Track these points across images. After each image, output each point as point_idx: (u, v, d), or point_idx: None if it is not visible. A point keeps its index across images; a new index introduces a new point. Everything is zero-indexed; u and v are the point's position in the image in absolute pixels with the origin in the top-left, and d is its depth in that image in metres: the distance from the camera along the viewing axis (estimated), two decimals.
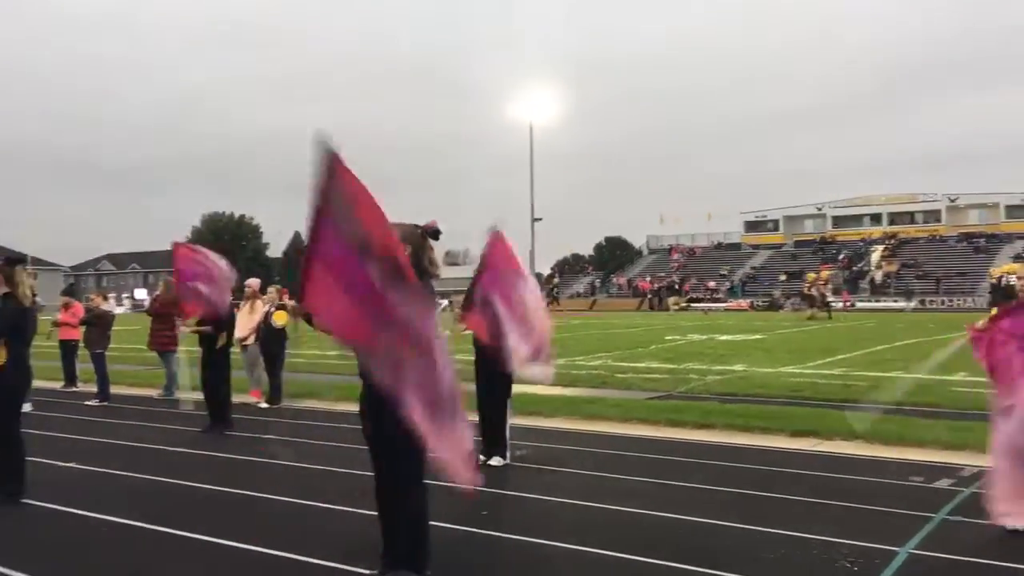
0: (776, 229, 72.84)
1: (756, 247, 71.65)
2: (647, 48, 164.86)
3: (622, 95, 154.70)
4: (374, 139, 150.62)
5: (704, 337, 24.72)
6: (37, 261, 73.14)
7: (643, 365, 15.99)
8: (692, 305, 55.93)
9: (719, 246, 73.79)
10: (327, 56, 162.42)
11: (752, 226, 74.05)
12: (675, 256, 72.71)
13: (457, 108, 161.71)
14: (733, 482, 6.63)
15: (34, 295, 6.81)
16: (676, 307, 54.28)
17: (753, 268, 66.81)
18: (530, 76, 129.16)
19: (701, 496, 6.25)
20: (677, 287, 61.39)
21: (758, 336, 25.03)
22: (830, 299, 42.36)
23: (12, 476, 6.21)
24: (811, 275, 50.17)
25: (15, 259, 6.57)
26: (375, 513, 4.41)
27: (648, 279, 65.48)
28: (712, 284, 62.56)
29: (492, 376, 7.29)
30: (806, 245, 69.30)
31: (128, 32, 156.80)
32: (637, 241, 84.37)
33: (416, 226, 4.45)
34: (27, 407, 10.03)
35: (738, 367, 15.30)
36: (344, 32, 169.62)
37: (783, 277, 61.60)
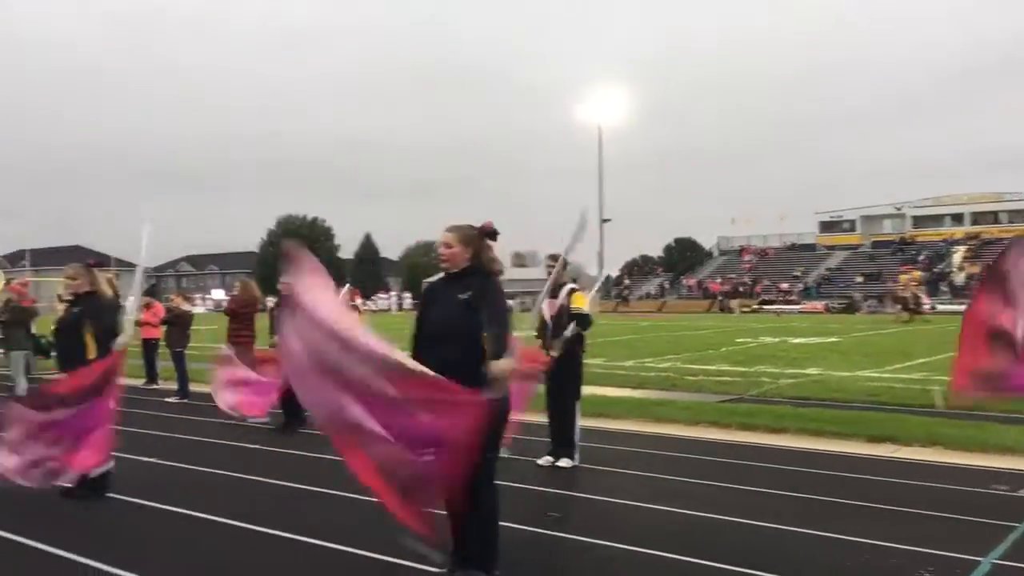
0: (852, 229, 71.03)
1: (831, 248, 69.98)
2: (718, 47, 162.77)
3: (692, 94, 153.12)
4: (446, 141, 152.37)
5: (776, 340, 24.27)
6: (119, 263, 75.84)
7: (713, 368, 15.78)
8: (764, 307, 54.94)
9: (792, 247, 72.29)
10: (398, 59, 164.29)
11: (827, 226, 72.37)
12: (746, 257, 71.54)
13: (526, 110, 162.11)
14: (806, 488, 6.49)
15: (117, 296, 7.06)
16: (742, 310, 52.88)
17: (828, 269, 65.30)
18: (599, 77, 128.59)
19: (773, 502, 6.14)
20: (744, 289, 60.34)
21: (833, 339, 24.46)
22: (924, 301, 40.90)
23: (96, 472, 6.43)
24: (903, 276, 48.62)
25: (98, 263, 6.87)
26: (445, 512, 4.45)
27: (719, 280, 64.59)
28: (785, 286, 61.36)
29: (561, 377, 7.28)
30: (884, 246, 67.39)
31: (206, 38, 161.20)
32: (707, 242, 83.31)
33: (472, 227, 4.51)
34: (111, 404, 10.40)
35: (812, 370, 14.98)
36: (414, 35, 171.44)
37: (860, 279, 60.06)
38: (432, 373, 4.05)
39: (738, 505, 5.98)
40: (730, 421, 9.46)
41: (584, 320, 7.19)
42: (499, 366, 4.14)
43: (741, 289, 59.98)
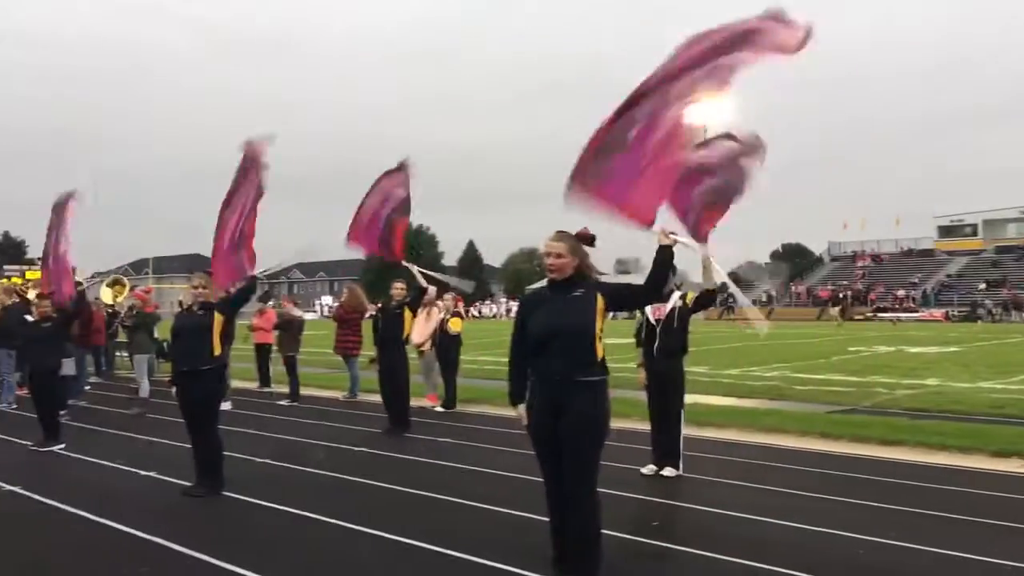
0: (974, 234, 67.65)
1: (951, 253, 66.85)
2: (827, 45, 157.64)
3: (798, 94, 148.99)
4: (549, 147, 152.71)
5: (892, 349, 23.34)
6: None
7: (823, 377, 15.29)
8: (879, 315, 52.91)
9: (909, 252, 69.37)
10: (507, 67, 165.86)
11: (947, 231, 69.17)
12: (859, 263, 69.07)
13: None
14: (922, 503, 6.20)
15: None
16: (844, 318, 48.29)
17: (948, 276, 62.41)
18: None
19: (885, 517, 5.89)
20: (847, 296, 58.06)
21: (954, 348, 23.36)
22: None
23: (213, 470, 6.71)
24: None
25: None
26: (547, 519, 4.45)
27: (829, 287, 62.55)
28: (901, 293, 58.94)
29: (664, 385, 7.20)
30: (1009, 251, 63.89)
31: (308, 52, 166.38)
32: (817, 248, 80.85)
33: (573, 235, 4.55)
34: (227, 406, 10.85)
35: (931, 381, 14.32)
36: (525, 42, 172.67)
37: (982, 285, 57.18)
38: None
39: (848, 519, 5.76)
40: (842, 433, 9.14)
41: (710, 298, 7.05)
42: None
43: (844, 296, 57.75)
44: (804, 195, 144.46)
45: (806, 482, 6.96)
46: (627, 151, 4.53)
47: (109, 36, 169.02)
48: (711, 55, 4.43)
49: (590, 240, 4.57)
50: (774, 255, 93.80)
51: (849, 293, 58.85)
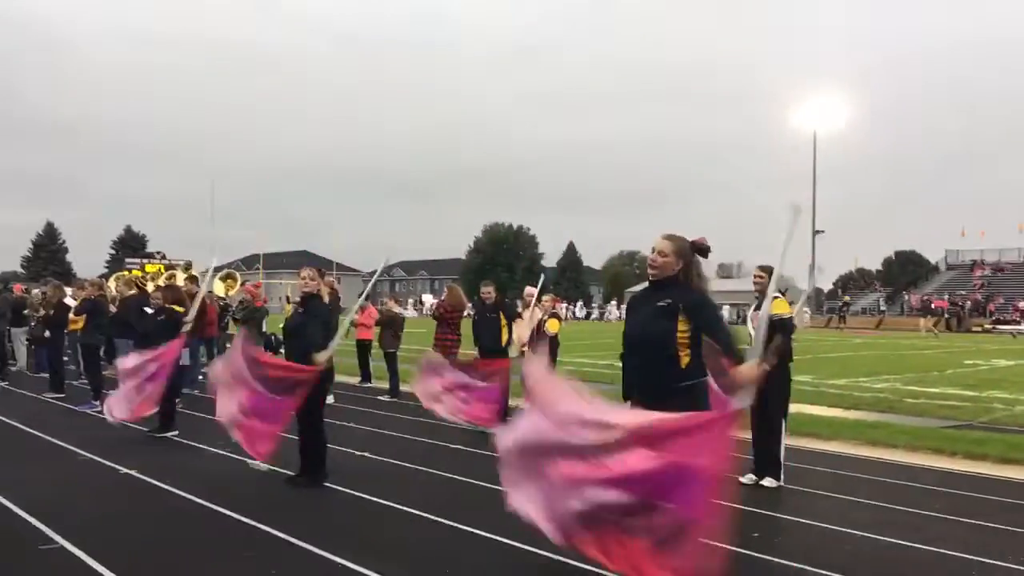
0: None
1: None
2: (944, 44, 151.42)
3: (916, 96, 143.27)
4: (649, 148, 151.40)
5: (1012, 363, 22.15)
6: (340, 267, 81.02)
7: (937, 390, 14.63)
8: (998, 327, 50.32)
9: None
10: (602, 68, 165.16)
11: None
12: (978, 273, 65.87)
13: (737, 116, 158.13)
14: None
15: (337, 298, 7.54)
16: (930, 330, 45.05)
17: None
18: (815, 81, 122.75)
19: (1003, 538, 5.59)
20: (935, 307, 55.31)
21: None
22: None
23: (316, 463, 6.90)
24: None
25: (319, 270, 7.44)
26: None
27: (945, 297, 59.87)
28: (1023, 304, 55.91)
29: (765, 392, 7.00)
30: None
31: (413, 57, 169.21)
32: (933, 256, 77.56)
33: (686, 240, 4.47)
34: (329, 399, 11.12)
35: None
36: (619, 44, 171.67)
37: None
38: (671, 416, 3.91)
39: (960, 539, 5.49)
40: (955, 449, 8.73)
41: (784, 325, 6.85)
42: (746, 371, 4.08)
43: (937, 307, 55.08)
44: (920, 200, 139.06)
45: (915, 499, 6.68)
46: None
47: (232, 35, 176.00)
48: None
49: (705, 251, 4.49)
50: (886, 263, 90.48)
51: (943, 304, 56.21)
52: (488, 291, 10.46)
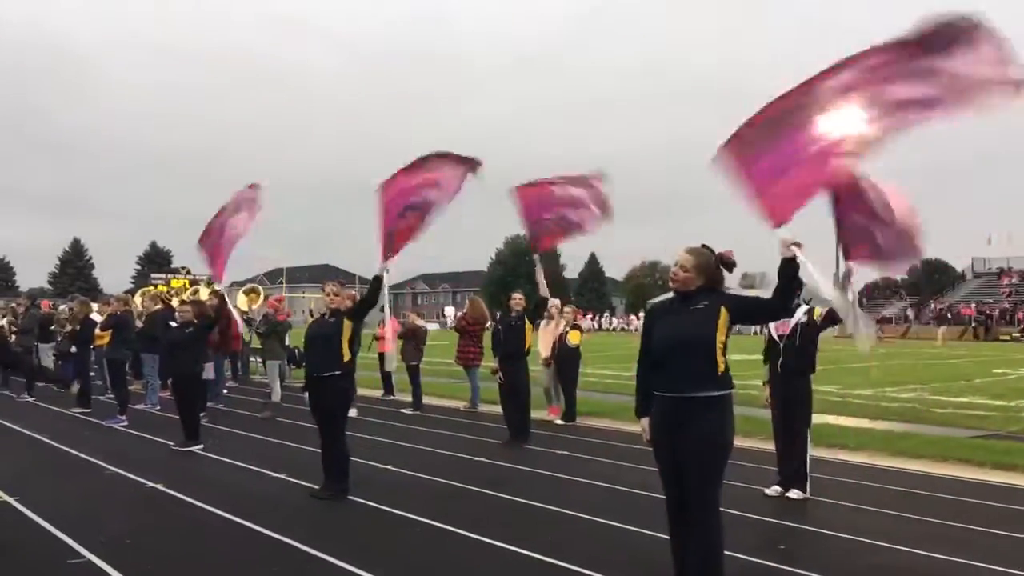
0: None
1: None
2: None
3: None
4: (674, 159, 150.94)
5: None
6: (363, 280, 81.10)
7: (965, 400, 14.46)
8: None
9: None
10: (625, 73, 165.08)
11: None
12: (1005, 281, 65.06)
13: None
14: None
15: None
16: (943, 341, 43.89)
17: None
18: None
19: None
20: (949, 316, 54.59)
21: None
22: None
23: (339, 475, 6.92)
24: None
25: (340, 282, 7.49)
26: (667, 537, 4.37)
27: (972, 305, 59.16)
28: None
29: (789, 404, 6.97)
30: None
31: (426, 68, 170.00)
32: (959, 264, 76.72)
33: (711, 254, 4.40)
34: (353, 412, 11.16)
35: None
36: (636, 51, 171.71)
37: None
38: None
39: (989, 550, 5.41)
40: (984, 459, 8.62)
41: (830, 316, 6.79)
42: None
43: (991, 313, 54.38)
44: (946, 207, 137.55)
45: (943, 510, 6.59)
46: (794, 132, 4.23)
47: (255, 51, 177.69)
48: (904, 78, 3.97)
49: (730, 265, 4.43)
50: (912, 271, 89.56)
51: (970, 312, 55.47)
52: (520, 299, 10.50)
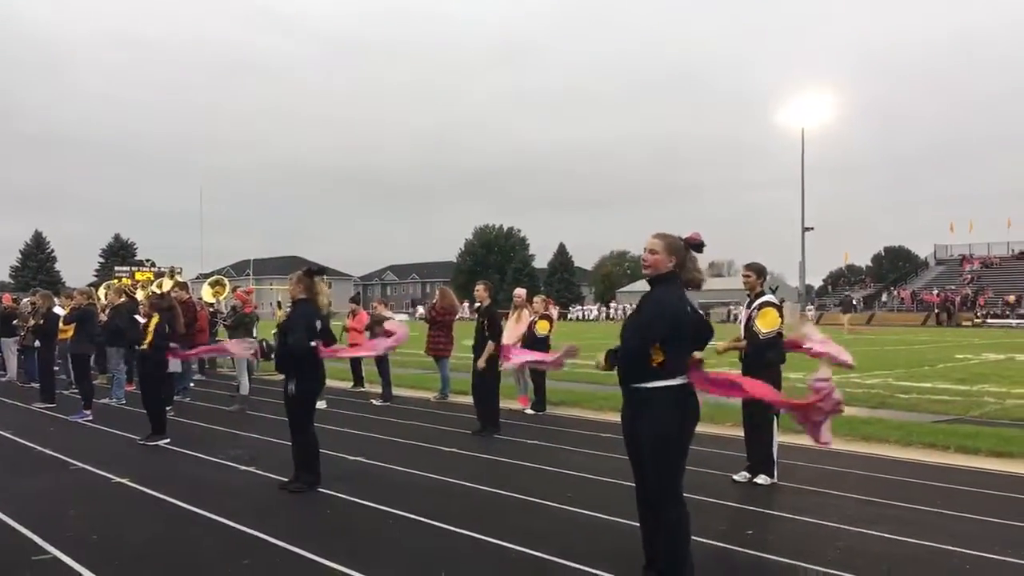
0: None
1: None
2: (934, 46, 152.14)
3: (905, 92, 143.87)
4: (642, 150, 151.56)
5: (1003, 356, 22.28)
6: (333, 272, 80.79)
7: (929, 385, 14.69)
8: (988, 322, 50.59)
9: (1021, 256, 66.18)
10: (592, 69, 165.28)
11: None
12: (967, 267, 66.20)
13: (727, 115, 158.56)
14: None
15: (328, 303, 7.51)
16: (848, 327, 40.99)
17: None
18: (805, 79, 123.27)
19: (997, 532, 5.62)
20: (854, 303, 55.49)
21: None
22: None
23: (309, 467, 6.88)
24: None
25: (315, 271, 7.33)
26: (637, 524, 4.40)
27: (936, 292, 60.13)
28: (1012, 298, 56.21)
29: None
30: None
31: (405, 58, 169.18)
32: (922, 251, 77.95)
33: (679, 237, 4.43)
34: (322, 404, 11.10)
35: None
36: (608, 43, 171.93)
37: None
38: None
39: (954, 533, 5.52)
40: (948, 443, 8.77)
41: (771, 343, 6.85)
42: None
43: (855, 302, 55.31)
44: (909, 197, 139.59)
45: (909, 494, 6.70)
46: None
47: (223, 40, 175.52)
48: None
49: (699, 246, 4.46)
50: (876, 259, 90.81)
51: (853, 299, 56.52)
52: (478, 290, 10.42)
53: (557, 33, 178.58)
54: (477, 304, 10.39)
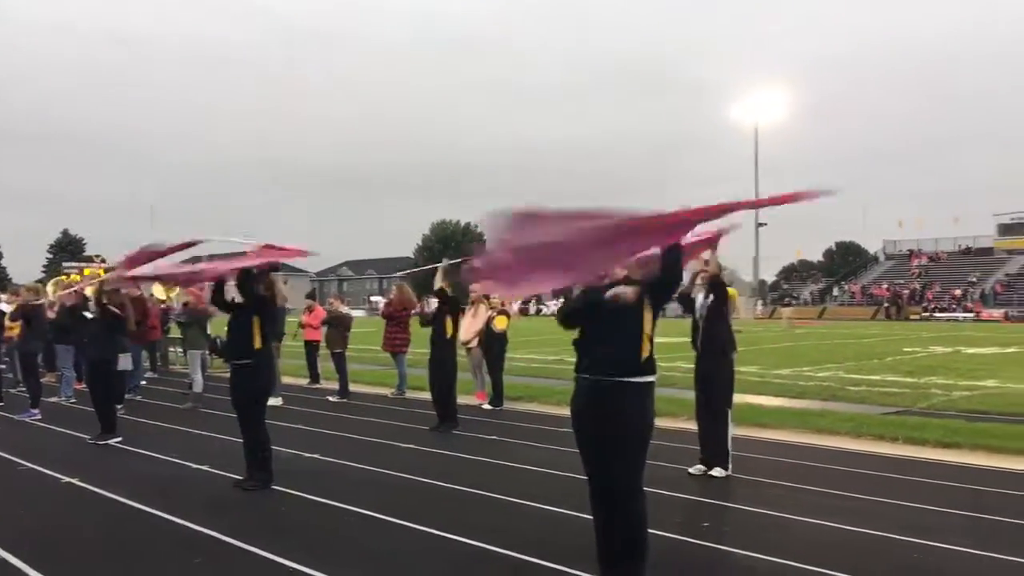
0: None
1: (1011, 252, 65.13)
2: (888, 39, 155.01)
3: (855, 92, 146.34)
4: (595, 143, 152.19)
5: (949, 349, 22.81)
6: (287, 268, 79.80)
7: (878, 378, 14.98)
8: (935, 315, 51.79)
9: (967, 251, 67.80)
10: (547, 62, 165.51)
11: (1007, 229, 67.38)
12: (915, 262, 67.65)
13: (681, 110, 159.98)
14: (981, 507, 6.06)
15: (284, 299, 7.43)
16: (790, 321, 42.04)
17: (1008, 275, 60.81)
18: (758, 76, 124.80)
19: (945, 520, 5.75)
20: (791, 299, 56.83)
21: (1013, 349, 22.73)
22: None
23: (261, 465, 6.80)
24: None
25: (272, 267, 7.27)
26: (592, 517, 4.42)
27: (885, 286, 61.37)
28: (958, 292, 57.60)
29: (710, 385, 7.11)
30: None
31: (346, 52, 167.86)
32: (872, 247, 79.44)
33: None
34: (277, 401, 10.99)
35: (990, 383, 13.96)
36: (561, 36, 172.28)
37: None
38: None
39: (903, 522, 5.64)
40: (897, 434, 8.96)
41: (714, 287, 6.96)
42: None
43: (791, 299, 56.58)
44: (859, 193, 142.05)
45: (859, 484, 6.83)
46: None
47: (172, 30, 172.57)
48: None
49: None
50: (827, 254, 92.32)
51: (792, 296, 57.80)
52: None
53: (514, 25, 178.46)
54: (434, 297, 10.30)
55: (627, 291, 4.25)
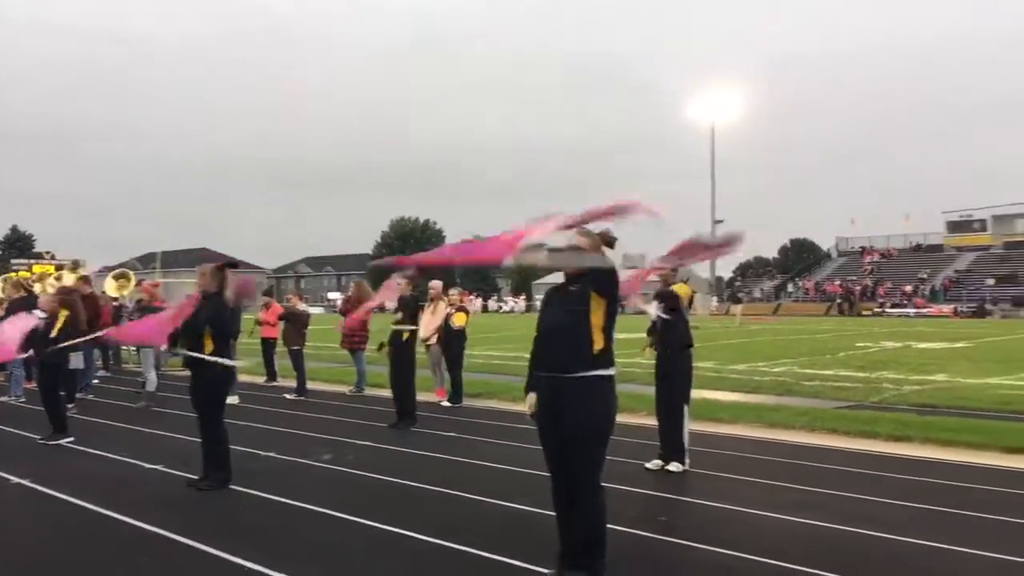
0: (983, 230, 67.40)
1: (960, 249, 66.65)
2: (838, 43, 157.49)
3: (810, 92, 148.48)
4: (552, 141, 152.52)
5: (900, 344, 23.26)
6: (244, 265, 78.94)
7: (831, 373, 15.24)
8: (887, 311, 52.79)
9: (917, 248, 69.21)
10: (507, 61, 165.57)
11: (956, 227, 68.93)
12: (867, 259, 68.89)
13: (636, 109, 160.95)
14: (932, 499, 6.18)
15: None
16: (742, 318, 43.05)
17: (957, 271, 62.22)
18: (712, 76, 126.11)
19: (894, 512, 5.86)
20: (742, 296, 57.88)
21: (962, 344, 23.27)
22: None
23: (219, 464, 6.70)
24: None
25: (228, 264, 7.17)
26: (553, 513, 4.43)
27: (838, 283, 62.39)
28: (908, 288, 58.77)
29: (669, 379, 7.17)
30: (1018, 247, 63.66)
31: (346, 52, 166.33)
32: (825, 243, 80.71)
33: (595, 234, 4.47)
34: (234, 399, 10.85)
35: (939, 377, 14.27)
36: (525, 37, 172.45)
37: (991, 281, 56.96)
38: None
39: (856, 514, 5.73)
40: (849, 428, 9.11)
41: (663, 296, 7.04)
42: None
43: (743, 295, 57.64)
44: (813, 190, 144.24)
45: (813, 478, 6.93)
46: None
47: (125, 25, 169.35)
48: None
49: (612, 242, 4.51)
50: (782, 251, 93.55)
51: (744, 292, 58.86)
52: (399, 283, 10.33)
53: (471, 23, 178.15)
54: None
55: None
